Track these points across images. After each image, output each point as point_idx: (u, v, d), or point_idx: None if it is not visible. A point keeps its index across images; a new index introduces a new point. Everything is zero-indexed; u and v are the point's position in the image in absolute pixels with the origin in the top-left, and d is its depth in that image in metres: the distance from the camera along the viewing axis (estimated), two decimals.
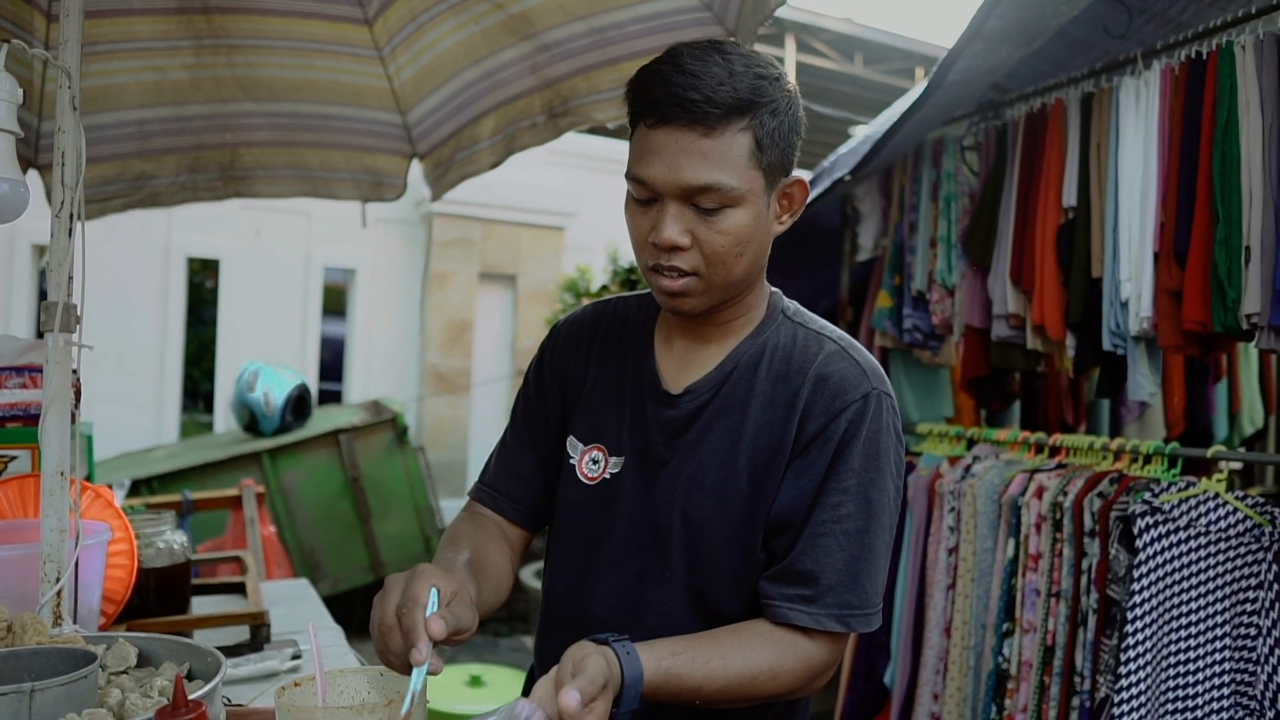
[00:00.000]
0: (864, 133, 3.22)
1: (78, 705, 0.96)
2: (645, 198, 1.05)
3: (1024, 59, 2.48)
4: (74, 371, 1.66)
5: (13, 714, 0.92)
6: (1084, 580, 2.10)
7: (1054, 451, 2.43)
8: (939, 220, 2.77)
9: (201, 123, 2.50)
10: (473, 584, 1.06)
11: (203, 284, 7.45)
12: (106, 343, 5.37)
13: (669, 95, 0.99)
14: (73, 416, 1.33)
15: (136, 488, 3.90)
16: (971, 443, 2.68)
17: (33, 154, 2.40)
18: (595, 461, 1.17)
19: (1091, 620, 2.05)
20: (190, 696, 0.91)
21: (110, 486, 2.72)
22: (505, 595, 1.18)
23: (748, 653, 1.00)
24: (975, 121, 2.77)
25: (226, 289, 5.88)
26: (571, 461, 1.19)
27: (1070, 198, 2.36)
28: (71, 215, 1.30)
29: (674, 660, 0.95)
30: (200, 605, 1.98)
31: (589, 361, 1.23)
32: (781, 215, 1.11)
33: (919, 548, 2.62)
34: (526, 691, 1.23)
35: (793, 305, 1.19)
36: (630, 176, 1.05)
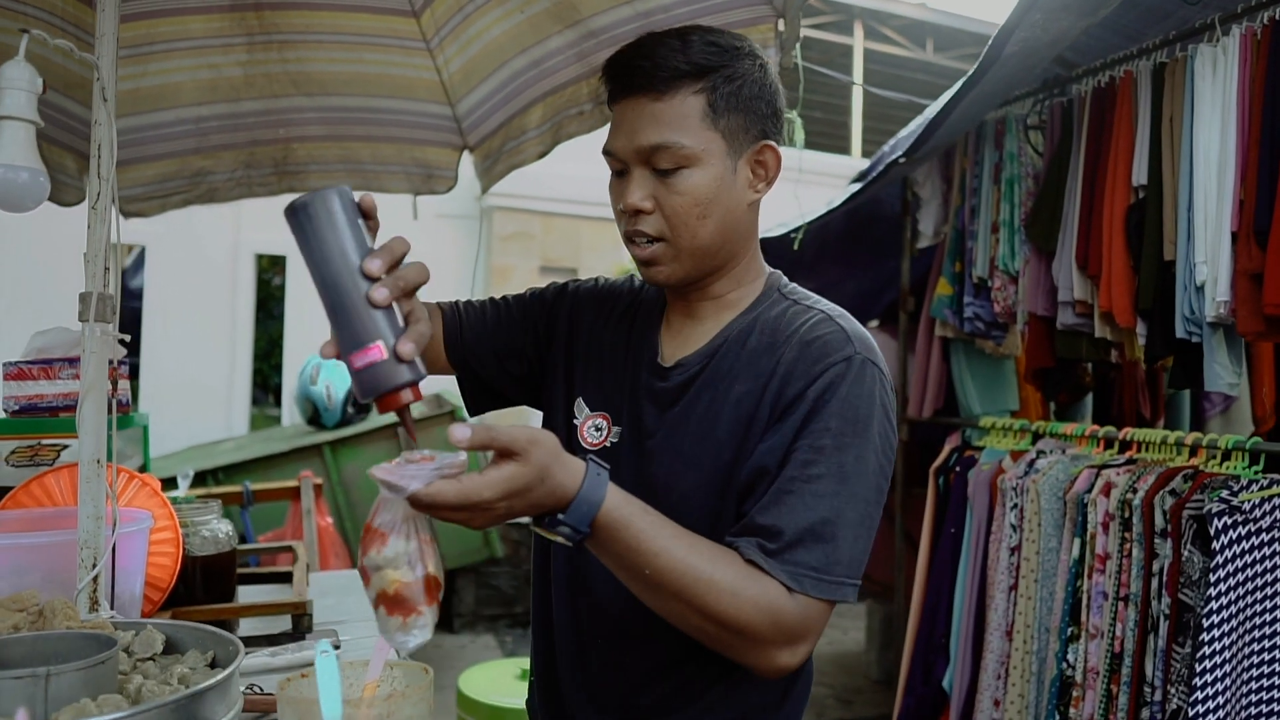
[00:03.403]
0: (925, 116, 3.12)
1: (95, 690, 0.96)
2: (616, 169, 1.10)
3: (1089, 30, 2.35)
4: (121, 361, 1.69)
5: (29, 697, 0.93)
6: (1155, 583, 1.99)
7: (1124, 446, 2.31)
8: (1001, 204, 2.66)
9: (255, 119, 2.53)
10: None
11: (271, 280, 7.65)
12: (179, 338, 5.55)
13: (624, 68, 1.07)
14: (112, 405, 1.34)
15: (202, 479, 4.01)
16: (1036, 437, 2.57)
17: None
18: (598, 429, 1.19)
19: (1163, 626, 1.94)
20: (203, 685, 0.91)
21: (174, 478, 2.79)
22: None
23: (717, 561, 0.95)
24: (1039, 99, 2.65)
25: (293, 285, 6.02)
26: (575, 423, 1.21)
27: (1141, 176, 2.24)
28: (107, 207, 1.31)
29: (643, 514, 0.93)
30: (250, 594, 2.01)
31: (605, 326, 1.25)
32: (756, 184, 1.11)
33: (980, 546, 2.52)
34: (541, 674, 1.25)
35: (791, 285, 1.19)
36: (603, 151, 1.11)
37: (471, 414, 1.40)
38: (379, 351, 0.84)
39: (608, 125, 2.63)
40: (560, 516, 0.89)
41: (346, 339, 0.85)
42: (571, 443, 1.19)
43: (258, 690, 1.36)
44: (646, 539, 0.92)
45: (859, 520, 0.99)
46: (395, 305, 0.87)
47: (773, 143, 1.11)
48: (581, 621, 1.18)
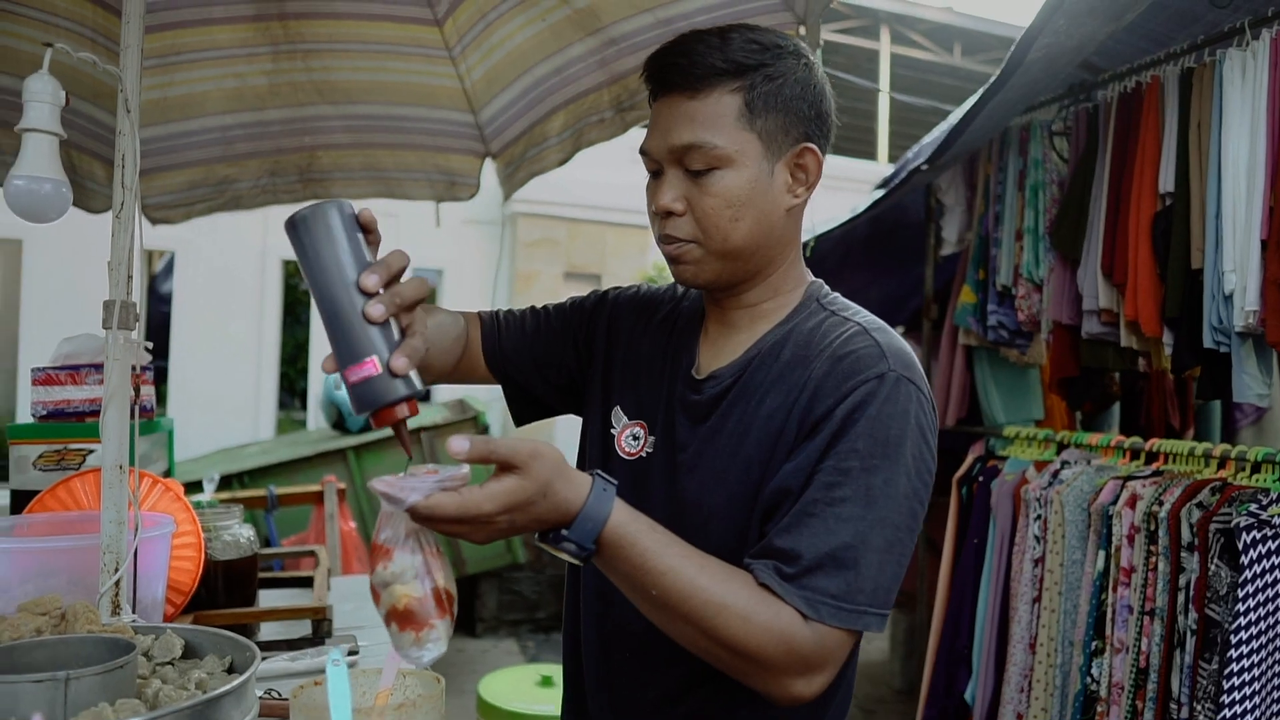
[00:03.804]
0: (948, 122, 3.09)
1: (113, 694, 0.97)
2: (652, 169, 1.07)
3: (1115, 34, 2.32)
4: (145, 367, 1.72)
5: (48, 701, 0.94)
6: (1181, 598, 1.95)
7: (1151, 457, 2.27)
8: (1025, 210, 2.63)
9: (280, 127, 2.56)
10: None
11: (297, 285, 7.72)
12: (206, 343, 5.61)
13: (661, 65, 1.03)
14: (135, 411, 1.36)
15: (228, 482, 4.04)
16: (1061, 447, 2.53)
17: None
18: (635, 438, 1.16)
19: (1190, 642, 1.91)
20: (219, 691, 0.91)
21: (199, 481, 2.82)
22: (452, 351, 1.24)
23: (729, 583, 0.91)
24: (1065, 104, 2.62)
25: None
26: (613, 431, 1.18)
27: (1168, 183, 2.20)
28: (131, 215, 1.33)
29: (650, 532, 0.90)
30: (272, 599, 2.03)
31: (644, 334, 1.22)
32: (796, 187, 1.07)
33: (1003, 557, 2.49)
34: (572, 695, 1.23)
35: (832, 295, 1.14)
36: (640, 151, 1.08)
37: (517, 424, 1.39)
38: (373, 366, 0.84)
39: (628, 132, 2.65)
40: (564, 532, 0.87)
41: (342, 353, 0.85)
42: (608, 451, 1.17)
43: (275, 695, 1.37)
44: (653, 558, 0.89)
45: (886, 547, 0.94)
46: (392, 320, 0.88)
47: (814, 146, 1.06)
48: (607, 636, 1.15)
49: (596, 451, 1.20)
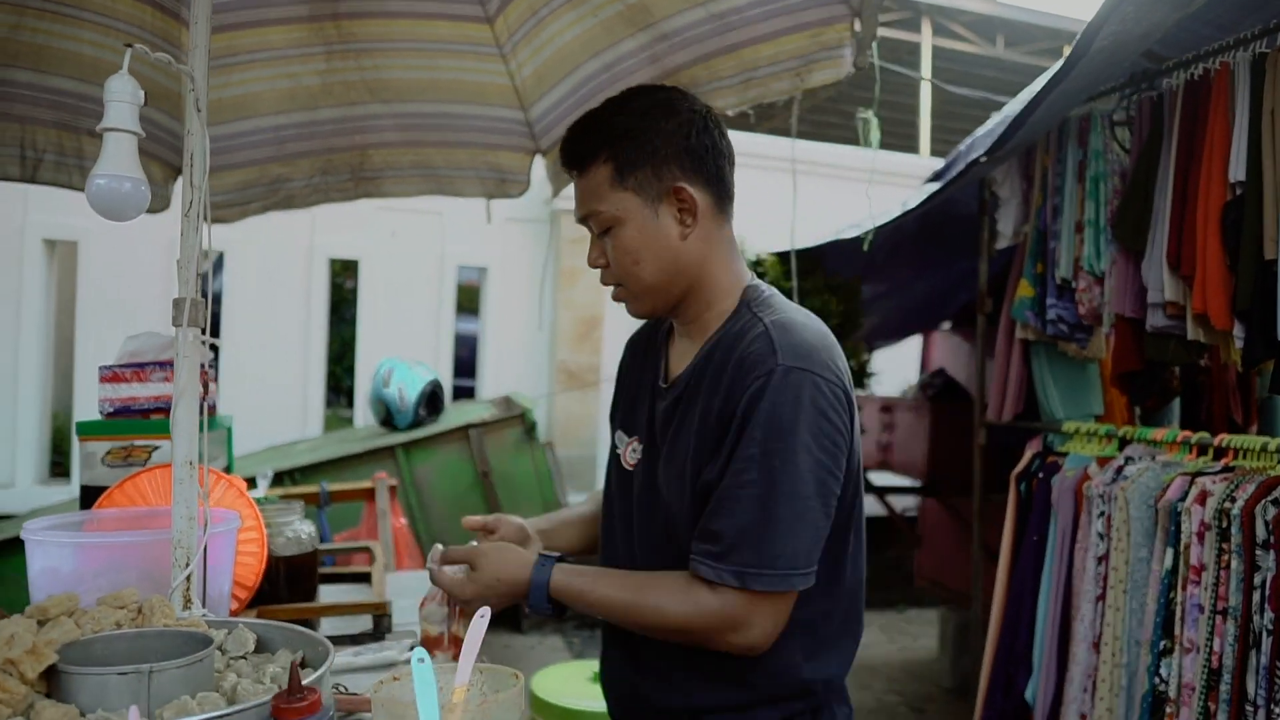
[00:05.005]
0: (1004, 113, 3.04)
1: (194, 687, 0.98)
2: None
3: (1181, 22, 2.25)
4: (210, 364, 1.74)
5: (133, 693, 0.95)
6: (1256, 597, 1.89)
7: (1219, 453, 2.21)
8: (1086, 202, 2.57)
9: (332, 126, 2.58)
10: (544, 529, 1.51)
11: (343, 284, 7.80)
12: (255, 341, 5.69)
13: (561, 153, 1.28)
14: (203, 408, 1.38)
15: (280, 479, 4.10)
16: (1124, 442, 2.47)
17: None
18: (635, 451, 1.35)
19: (1266, 642, 1.85)
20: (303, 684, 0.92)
21: (253, 478, 2.86)
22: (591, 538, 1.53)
23: (646, 590, 1.19)
24: (1127, 94, 2.55)
25: (365, 288, 6.13)
26: (618, 451, 1.39)
27: (1238, 172, 2.13)
28: (199, 214, 1.34)
29: (580, 576, 1.22)
30: (329, 594, 2.05)
31: (637, 359, 1.44)
32: (684, 218, 1.24)
33: (1064, 554, 2.44)
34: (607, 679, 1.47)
35: (762, 295, 1.28)
36: None
37: None
38: None
39: None
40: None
41: None
42: (619, 468, 1.38)
43: (343, 690, 1.37)
44: (590, 595, 1.20)
45: (794, 516, 1.12)
46: None
47: (685, 184, 1.22)
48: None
49: (612, 470, 1.41)
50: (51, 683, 0.97)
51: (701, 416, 1.20)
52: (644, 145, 1.21)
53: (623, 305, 1.35)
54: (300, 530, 1.84)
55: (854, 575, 1.27)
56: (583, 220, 1.27)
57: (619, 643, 1.36)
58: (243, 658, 1.14)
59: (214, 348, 1.77)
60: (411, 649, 1.64)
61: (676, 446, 1.24)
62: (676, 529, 1.22)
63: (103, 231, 5.16)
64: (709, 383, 1.21)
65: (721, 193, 1.28)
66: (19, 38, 2.04)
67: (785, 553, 1.11)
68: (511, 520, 1.46)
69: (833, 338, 1.23)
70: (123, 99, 1.07)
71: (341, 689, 1.38)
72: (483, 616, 0.98)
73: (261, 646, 1.17)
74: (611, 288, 1.30)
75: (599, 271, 1.32)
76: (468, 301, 7.34)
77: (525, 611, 1.36)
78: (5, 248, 5.36)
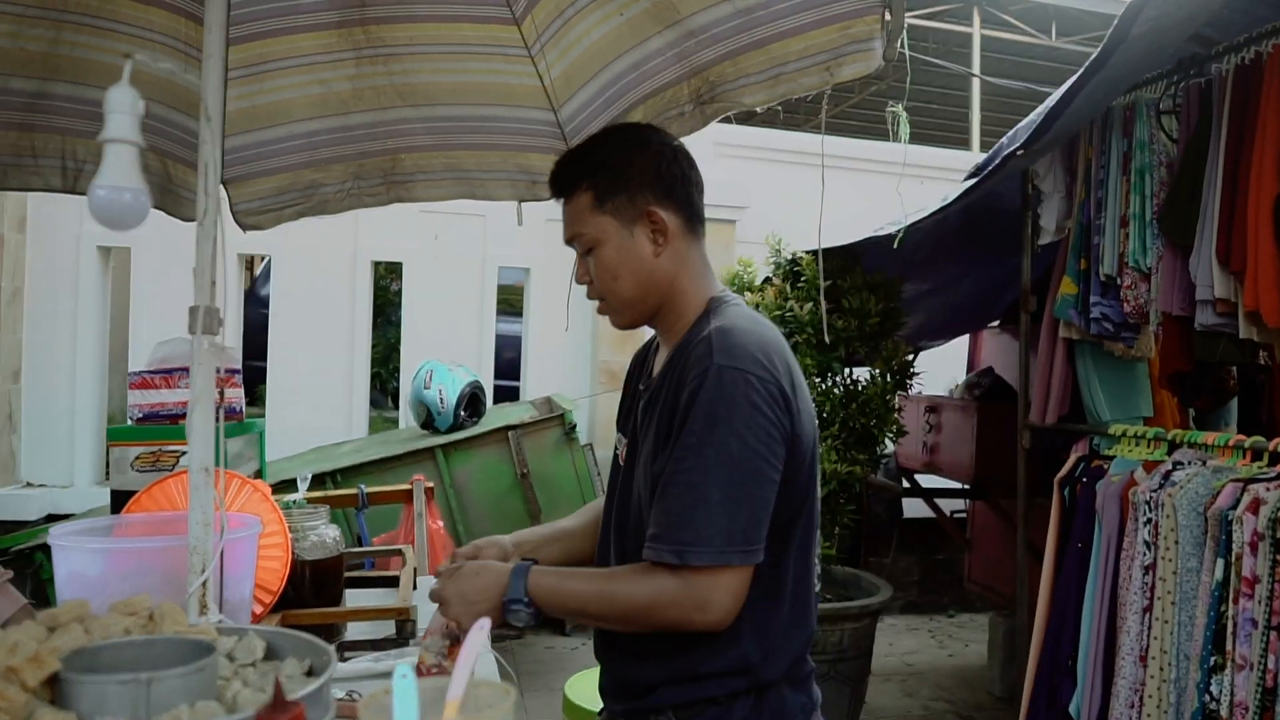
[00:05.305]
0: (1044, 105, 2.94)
1: (194, 696, 0.98)
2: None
3: (1230, 3, 2.16)
4: (232, 370, 1.75)
5: (132, 701, 0.95)
6: None
7: (1275, 459, 2.11)
8: (1131, 195, 2.48)
9: (364, 131, 2.60)
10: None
11: (388, 286, 7.88)
12: (301, 343, 5.78)
13: (549, 182, 1.47)
14: (219, 414, 1.38)
15: (321, 480, 4.14)
16: (1173, 446, 2.38)
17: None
18: (628, 448, 1.46)
19: None
20: (298, 694, 0.91)
21: (286, 479, 2.89)
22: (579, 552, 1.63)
23: (614, 578, 1.30)
24: (1173, 81, 2.46)
25: (409, 290, 6.18)
26: (617, 451, 1.51)
27: None
28: (214, 222, 1.35)
29: (546, 575, 1.31)
30: (361, 598, 2.05)
31: (635, 370, 1.58)
32: (656, 238, 1.38)
33: (1109, 563, 2.35)
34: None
35: (722, 306, 1.39)
36: None
37: None
38: None
39: (708, 126, 2.60)
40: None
41: None
42: (617, 466, 1.49)
43: (357, 696, 1.37)
44: (563, 594, 1.30)
45: (730, 499, 1.21)
46: None
47: (657, 208, 1.37)
48: None
49: (614, 468, 1.51)
50: (56, 690, 0.97)
51: (661, 414, 1.32)
52: (619, 175, 1.38)
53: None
54: (326, 534, 1.85)
55: (801, 564, 1.36)
56: (569, 241, 1.43)
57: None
58: (251, 665, 1.14)
59: (255, 351, 1.79)
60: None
61: (645, 444, 1.36)
62: (645, 522, 1.32)
63: (155, 238, 5.27)
64: (669, 384, 1.33)
65: (691, 215, 1.43)
66: (59, 51, 2.09)
67: (721, 531, 1.21)
68: (495, 541, 1.58)
69: (778, 343, 1.34)
70: (122, 110, 1.08)
71: (356, 695, 1.38)
72: (481, 629, 0.96)
73: (272, 654, 1.17)
74: (595, 301, 1.45)
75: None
76: (512, 303, 7.38)
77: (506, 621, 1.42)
78: (62, 255, 5.51)
